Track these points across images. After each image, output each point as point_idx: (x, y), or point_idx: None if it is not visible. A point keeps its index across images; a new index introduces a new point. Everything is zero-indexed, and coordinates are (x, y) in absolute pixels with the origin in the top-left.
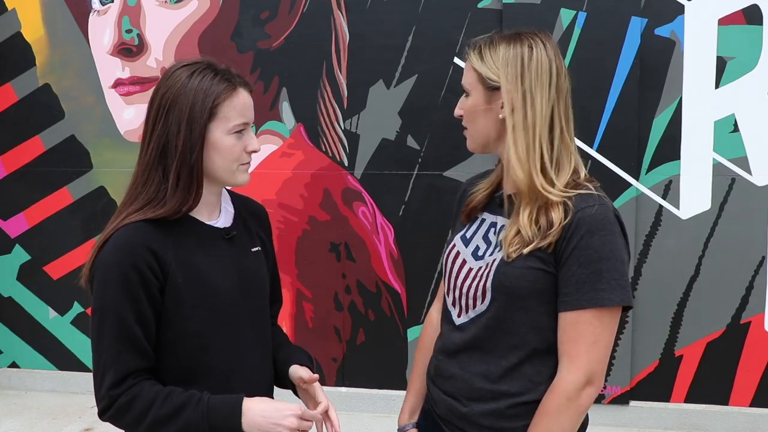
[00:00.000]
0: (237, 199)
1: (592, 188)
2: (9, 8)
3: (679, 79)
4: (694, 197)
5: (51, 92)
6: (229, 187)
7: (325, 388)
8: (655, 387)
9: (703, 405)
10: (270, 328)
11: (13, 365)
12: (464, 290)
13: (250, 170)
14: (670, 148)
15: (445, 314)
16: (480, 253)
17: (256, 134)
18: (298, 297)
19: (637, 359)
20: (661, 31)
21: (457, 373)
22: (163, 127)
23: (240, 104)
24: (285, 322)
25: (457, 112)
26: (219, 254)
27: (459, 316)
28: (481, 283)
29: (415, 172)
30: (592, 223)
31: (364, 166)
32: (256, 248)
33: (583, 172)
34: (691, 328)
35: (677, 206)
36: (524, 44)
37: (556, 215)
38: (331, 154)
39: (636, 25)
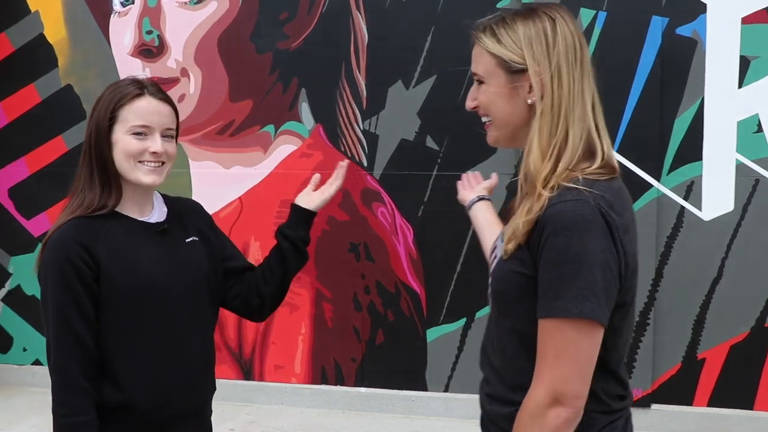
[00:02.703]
0: (170, 199)
1: (589, 179)
2: (32, 10)
3: (701, 78)
4: (717, 198)
5: (73, 93)
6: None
7: (344, 388)
8: (677, 390)
9: (727, 409)
10: (210, 312)
11: (37, 363)
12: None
13: (264, 173)
14: (692, 149)
15: None
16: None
17: (275, 135)
18: (318, 297)
19: (658, 362)
20: (683, 30)
21: (483, 370)
22: (88, 128)
23: (141, 108)
24: (304, 322)
25: (470, 104)
26: (151, 245)
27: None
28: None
29: (435, 173)
30: (558, 221)
31: (384, 167)
32: (191, 239)
33: (598, 161)
34: (714, 331)
35: (699, 207)
36: (543, 19)
37: (535, 208)
38: (350, 155)
39: (657, 25)
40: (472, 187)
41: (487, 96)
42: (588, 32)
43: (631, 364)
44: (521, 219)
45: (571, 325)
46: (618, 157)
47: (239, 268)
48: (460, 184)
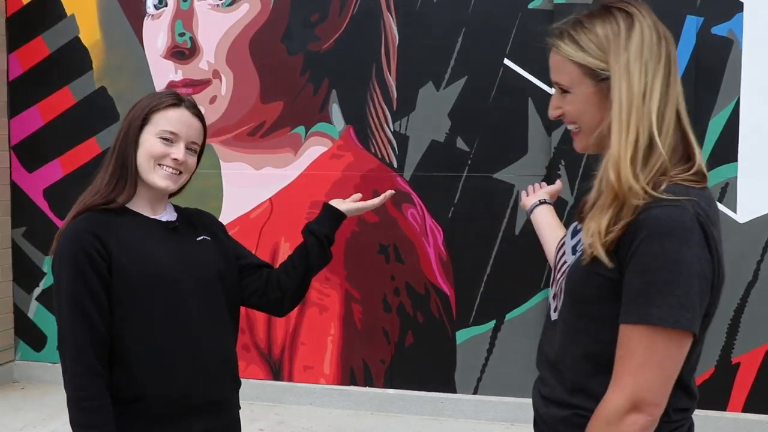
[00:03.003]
0: (181, 208)
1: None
2: (68, 14)
3: (736, 79)
4: (752, 200)
5: (107, 95)
6: (159, 191)
7: (373, 389)
8: (711, 395)
9: (763, 415)
10: (226, 309)
11: None
12: (555, 284)
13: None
14: (727, 150)
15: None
16: (577, 248)
17: (306, 136)
18: (347, 298)
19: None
20: (719, 29)
21: (541, 372)
22: (117, 132)
23: (173, 117)
24: (334, 323)
25: (555, 113)
26: (162, 240)
27: (554, 311)
28: (563, 282)
29: (465, 174)
30: (655, 225)
31: (414, 168)
32: (201, 237)
33: (693, 167)
34: (749, 335)
35: (734, 209)
36: (619, 18)
37: (625, 214)
38: (380, 156)
39: (692, 24)
40: (535, 193)
41: (575, 106)
42: None
43: None
44: (604, 225)
45: (663, 334)
46: None
47: (254, 264)
48: (523, 193)
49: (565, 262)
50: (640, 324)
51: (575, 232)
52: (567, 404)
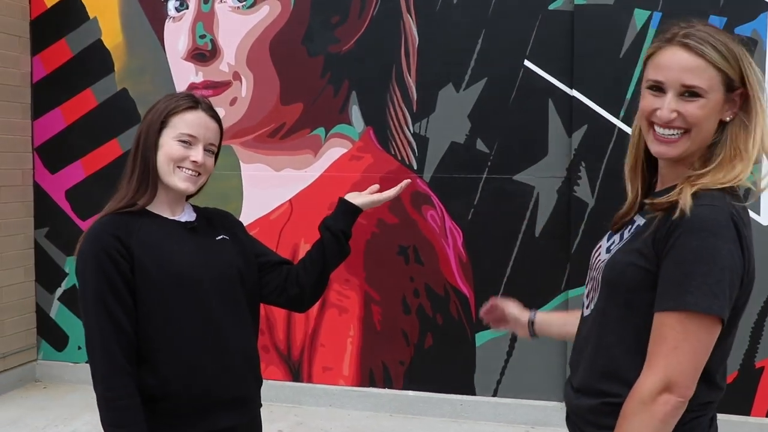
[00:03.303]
0: (200, 208)
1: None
2: (91, 17)
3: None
4: None
5: (128, 97)
6: (181, 193)
7: (392, 391)
8: (733, 399)
9: None
10: (246, 307)
11: None
12: (591, 281)
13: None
14: None
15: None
16: (612, 248)
17: (325, 138)
18: (366, 299)
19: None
20: (742, 29)
21: (575, 365)
22: (136, 135)
23: (191, 119)
24: (353, 324)
25: (671, 116)
26: (182, 240)
27: (587, 307)
28: (599, 276)
29: (485, 176)
30: (694, 222)
31: (433, 170)
32: (221, 237)
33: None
34: None
35: (758, 212)
36: (737, 39)
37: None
38: (400, 158)
39: (715, 24)
40: (498, 317)
41: (705, 112)
42: (642, 33)
43: None
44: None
45: (695, 320)
46: None
47: (273, 262)
48: (486, 309)
49: (600, 260)
50: (676, 311)
51: (610, 237)
52: (597, 392)
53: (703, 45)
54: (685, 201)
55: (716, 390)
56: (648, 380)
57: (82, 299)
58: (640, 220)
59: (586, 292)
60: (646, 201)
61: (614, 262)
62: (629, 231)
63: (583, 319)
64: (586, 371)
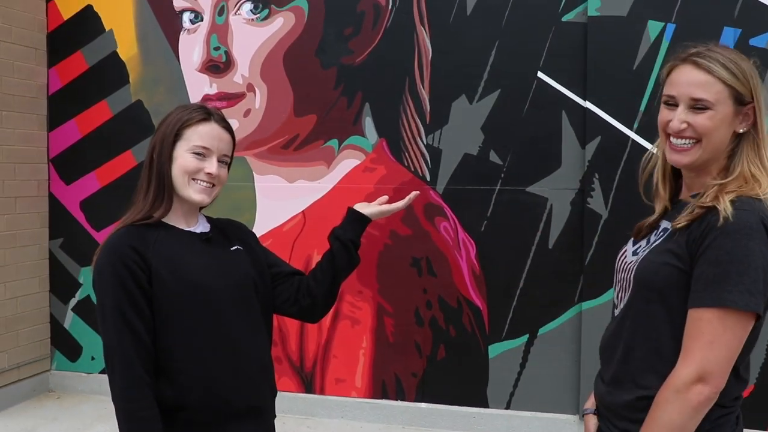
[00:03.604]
0: (213, 219)
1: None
2: (107, 29)
3: None
4: None
5: (143, 108)
6: (196, 204)
7: (405, 403)
8: (751, 413)
9: None
10: (260, 318)
11: (104, 371)
12: (620, 282)
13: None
14: None
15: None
16: (638, 251)
17: (339, 149)
18: (379, 311)
19: None
20: (757, 41)
21: (607, 361)
22: (149, 148)
23: (204, 131)
24: (366, 336)
25: (681, 126)
26: (197, 252)
27: (616, 307)
28: (629, 276)
29: (498, 187)
30: (728, 225)
31: (446, 181)
32: (235, 247)
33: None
34: None
35: None
36: (745, 59)
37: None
38: (413, 169)
39: (729, 36)
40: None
41: (713, 122)
42: (656, 45)
43: None
44: (696, 205)
45: (733, 316)
46: None
47: (286, 272)
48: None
49: (627, 263)
50: (713, 308)
51: (635, 242)
52: (631, 386)
53: (712, 62)
54: (725, 206)
55: (742, 382)
56: (684, 371)
57: (100, 311)
58: (666, 225)
59: (615, 293)
60: (693, 203)
61: (648, 262)
62: (656, 235)
63: (614, 318)
64: (620, 365)
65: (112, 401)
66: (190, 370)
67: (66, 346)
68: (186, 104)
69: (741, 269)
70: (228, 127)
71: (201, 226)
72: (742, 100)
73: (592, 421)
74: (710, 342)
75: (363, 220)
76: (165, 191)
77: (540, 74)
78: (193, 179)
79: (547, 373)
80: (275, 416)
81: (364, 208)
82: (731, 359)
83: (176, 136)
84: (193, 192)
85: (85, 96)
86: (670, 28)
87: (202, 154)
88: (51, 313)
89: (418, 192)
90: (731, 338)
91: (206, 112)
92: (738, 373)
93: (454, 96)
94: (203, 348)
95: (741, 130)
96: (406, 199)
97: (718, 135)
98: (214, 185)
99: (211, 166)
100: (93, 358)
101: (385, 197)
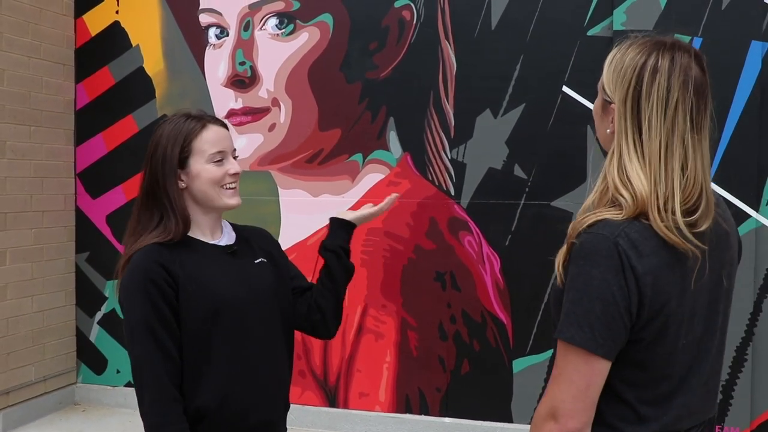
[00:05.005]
0: (237, 226)
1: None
2: (134, 44)
3: None
4: None
5: None
6: (222, 211)
7: (429, 417)
8: None
9: None
10: (282, 330)
11: (129, 385)
12: None
13: (351, 201)
14: None
15: None
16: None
17: (363, 163)
18: (403, 325)
19: (757, 399)
20: None
21: None
22: (150, 168)
23: (211, 137)
24: (389, 350)
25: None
26: (222, 266)
27: None
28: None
29: (522, 202)
30: (578, 250)
31: (471, 196)
32: (260, 260)
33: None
34: None
35: None
36: (643, 54)
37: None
38: (437, 183)
39: (756, 50)
40: None
41: (594, 108)
42: None
43: (727, 402)
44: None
45: (571, 349)
46: (714, 187)
47: (303, 288)
48: None
49: None
50: (557, 339)
51: None
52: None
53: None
54: (575, 229)
55: (648, 422)
56: (540, 405)
57: (128, 328)
58: None
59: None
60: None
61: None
62: None
63: None
64: None
65: (140, 416)
66: (214, 385)
67: (92, 360)
68: (167, 120)
69: (576, 298)
70: (223, 123)
71: (226, 238)
72: (605, 97)
73: None
74: (555, 377)
75: (347, 226)
76: (177, 215)
77: (565, 88)
78: (221, 186)
79: None
80: (286, 430)
81: (346, 215)
82: (579, 395)
83: (183, 153)
84: (227, 198)
85: (111, 111)
86: (697, 42)
87: (220, 159)
88: (77, 326)
89: (397, 194)
90: (573, 373)
91: (198, 118)
92: (638, 412)
93: (479, 110)
94: (226, 363)
95: (608, 130)
96: (386, 201)
97: (598, 126)
98: (236, 182)
99: (233, 165)
100: (118, 371)
101: (370, 204)
